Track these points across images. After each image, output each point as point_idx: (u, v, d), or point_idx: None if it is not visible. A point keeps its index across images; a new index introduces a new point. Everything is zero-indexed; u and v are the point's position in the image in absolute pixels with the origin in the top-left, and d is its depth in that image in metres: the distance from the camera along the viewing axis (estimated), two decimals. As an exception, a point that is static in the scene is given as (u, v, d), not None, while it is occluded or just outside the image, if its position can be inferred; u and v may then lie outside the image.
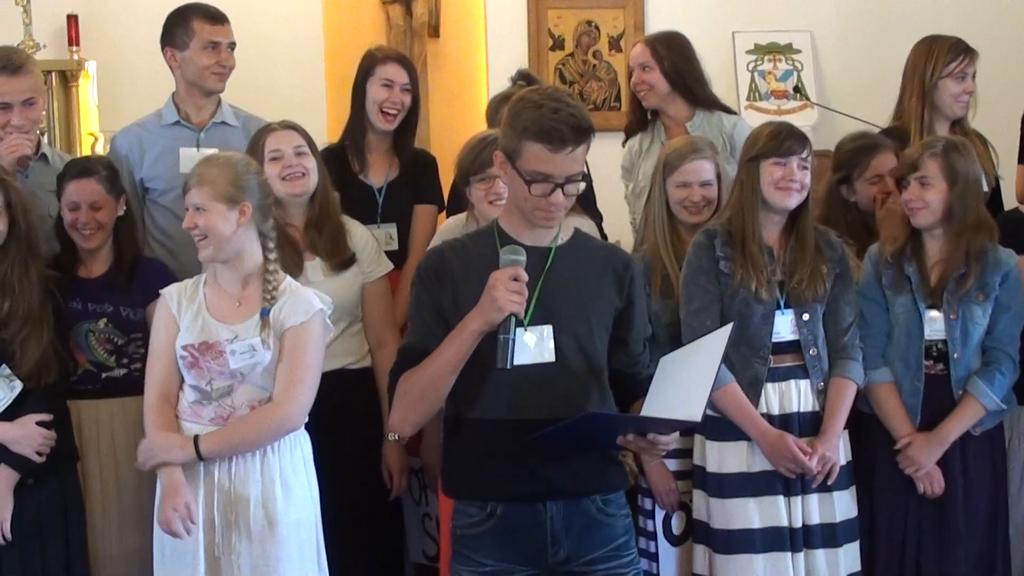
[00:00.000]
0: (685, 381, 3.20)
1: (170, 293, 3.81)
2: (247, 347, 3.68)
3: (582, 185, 3.19)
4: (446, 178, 4.81)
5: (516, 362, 3.12)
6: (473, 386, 3.20)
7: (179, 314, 3.75)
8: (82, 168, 4.33)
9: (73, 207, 4.25)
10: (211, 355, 3.70)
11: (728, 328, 3.28)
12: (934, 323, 4.08)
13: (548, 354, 3.19)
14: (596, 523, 3.25)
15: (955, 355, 4.08)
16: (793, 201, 3.98)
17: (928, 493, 4.09)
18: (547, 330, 3.19)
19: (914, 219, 4.12)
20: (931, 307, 4.09)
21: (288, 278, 3.82)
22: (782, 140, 3.97)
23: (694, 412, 3.10)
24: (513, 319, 3.08)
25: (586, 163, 3.24)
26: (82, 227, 4.24)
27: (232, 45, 4.77)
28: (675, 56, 5.04)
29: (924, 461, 4.07)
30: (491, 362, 3.11)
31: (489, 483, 3.23)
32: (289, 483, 3.72)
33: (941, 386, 4.10)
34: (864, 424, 4.20)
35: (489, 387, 3.19)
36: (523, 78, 5.11)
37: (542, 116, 3.10)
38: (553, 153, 3.10)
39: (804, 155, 3.99)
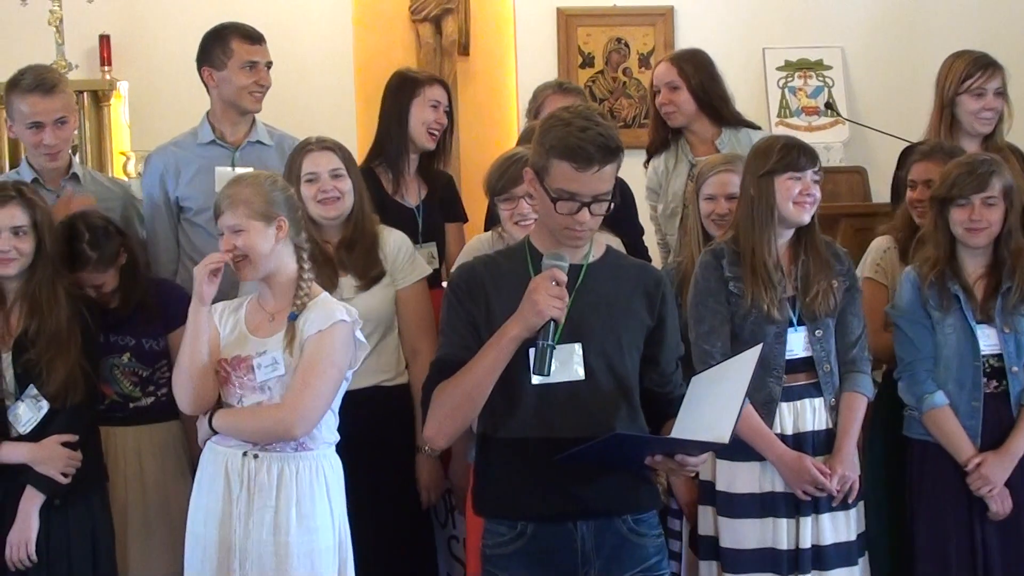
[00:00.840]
0: (714, 402, 3.17)
1: (216, 307, 3.79)
2: (271, 360, 3.67)
3: (611, 204, 3.16)
4: (475, 195, 4.80)
5: (544, 380, 3.11)
6: (503, 404, 3.18)
7: (220, 325, 3.76)
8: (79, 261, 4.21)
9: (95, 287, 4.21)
10: (242, 370, 3.70)
11: (757, 349, 3.25)
12: (988, 339, 4.06)
13: (578, 372, 3.17)
14: (628, 543, 3.22)
15: (1013, 369, 4.06)
16: (808, 216, 3.96)
17: (1000, 513, 4.06)
18: (576, 348, 3.17)
19: (975, 240, 4.07)
20: (982, 322, 4.07)
21: (324, 292, 3.81)
22: (797, 155, 3.94)
23: (722, 433, 3.07)
24: (552, 325, 3.06)
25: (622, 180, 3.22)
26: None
27: (269, 64, 4.76)
28: (701, 74, 5.03)
29: (998, 480, 4.04)
30: (520, 379, 3.11)
31: (519, 502, 3.20)
32: (305, 512, 3.67)
33: (997, 403, 4.07)
34: (916, 451, 4.18)
35: (519, 405, 3.17)
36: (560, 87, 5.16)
37: (569, 135, 3.09)
38: (580, 172, 3.08)
39: (816, 169, 3.97)
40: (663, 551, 3.33)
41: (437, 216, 4.82)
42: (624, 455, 3.17)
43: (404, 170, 4.80)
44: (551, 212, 3.15)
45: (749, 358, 3.23)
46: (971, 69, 4.76)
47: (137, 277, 4.30)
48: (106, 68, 6.67)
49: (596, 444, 3.04)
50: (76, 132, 5.45)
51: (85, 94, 6.44)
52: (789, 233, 3.99)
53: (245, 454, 3.66)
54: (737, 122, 5.09)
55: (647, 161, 5.20)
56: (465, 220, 4.94)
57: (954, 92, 4.76)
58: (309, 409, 3.65)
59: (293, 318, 3.68)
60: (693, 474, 3.35)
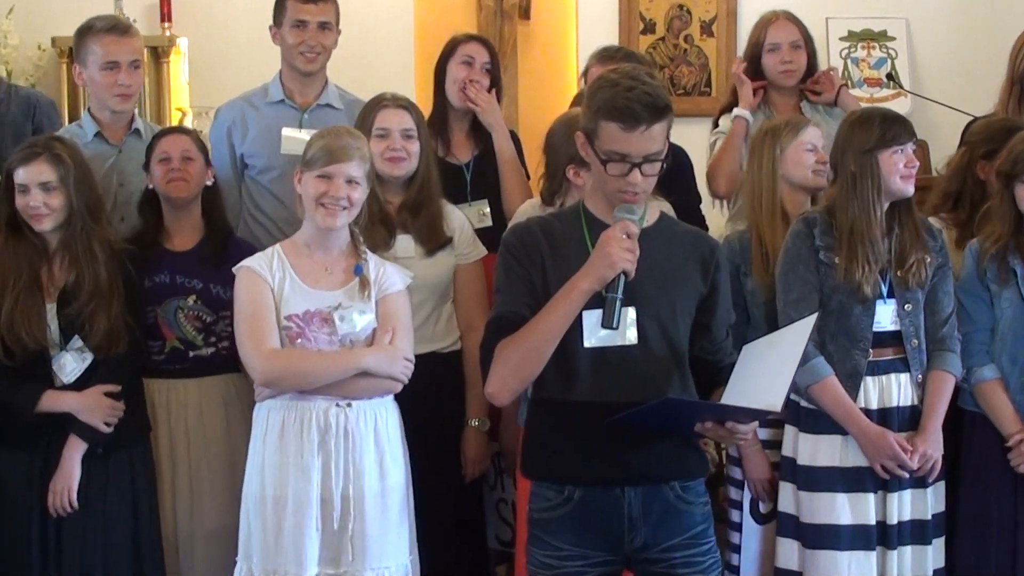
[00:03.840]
0: (767, 370, 3.15)
1: (256, 263, 3.82)
2: (359, 312, 3.77)
3: (662, 165, 3.14)
4: (533, 160, 4.77)
5: (597, 344, 3.12)
6: (555, 367, 3.17)
7: (273, 282, 3.78)
8: (174, 128, 4.44)
9: (164, 158, 4.25)
10: (317, 323, 3.76)
11: (812, 318, 3.23)
12: None
13: (631, 336, 3.17)
14: (675, 510, 3.22)
15: None
16: (912, 187, 3.93)
17: None
18: (630, 312, 3.15)
19: None
20: None
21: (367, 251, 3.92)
22: (899, 129, 3.92)
23: (775, 401, 3.06)
24: (621, 278, 3.06)
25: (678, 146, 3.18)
26: (175, 173, 4.24)
27: (323, 24, 4.72)
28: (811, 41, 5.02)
29: None
30: (574, 343, 3.12)
31: (568, 466, 3.20)
32: (394, 456, 3.85)
33: None
34: (967, 422, 4.13)
35: (571, 369, 3.17)
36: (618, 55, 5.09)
37: (616, 95, 3.08)
38: (627, 132, 3.07)
39: (915, 140, 3.96)
40: (709, 519, 3.32)
41: (492, 173, 4.77)
42: (674, 420, 3.16)
43: (447, 130, 4.77)
44: (603, 175, 3.15)
45: (803, 327, 3.21)
46: None
47: (222, 208, 4.40)
48: (166, 24, 6.69)
49: (647, 408, 3.04)
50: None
51: (145, 50, 6.45)
52: (886, 205, 3.96)
53: (338, 405, 3.76)
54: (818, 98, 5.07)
55: (718, 117, 5.12)
56: (528, 177, 4.87)
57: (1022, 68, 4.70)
58: (412, 361, 3.85)
59: (360, 271, 3.81)
60: (743, 442, 3.32)
